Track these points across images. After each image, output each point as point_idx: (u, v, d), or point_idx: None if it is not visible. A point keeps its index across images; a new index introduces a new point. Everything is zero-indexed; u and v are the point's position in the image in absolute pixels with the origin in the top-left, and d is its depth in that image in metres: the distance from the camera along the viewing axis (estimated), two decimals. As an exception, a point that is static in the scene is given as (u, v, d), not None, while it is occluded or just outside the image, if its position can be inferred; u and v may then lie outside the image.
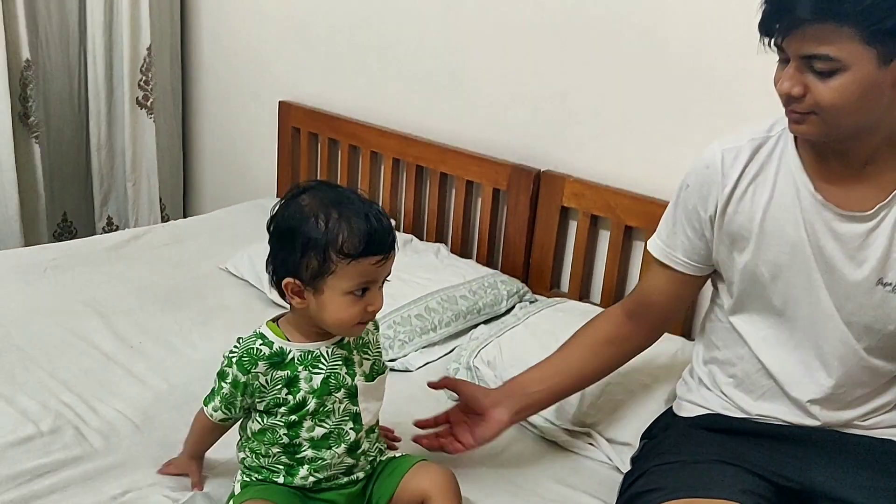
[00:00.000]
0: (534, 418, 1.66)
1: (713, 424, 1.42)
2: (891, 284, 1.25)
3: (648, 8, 1.93)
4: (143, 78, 2.92)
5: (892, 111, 1.19)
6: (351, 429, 1.29)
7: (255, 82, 2.93)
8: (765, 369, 1.37)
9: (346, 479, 1.32)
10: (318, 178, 2.73)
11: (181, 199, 3.25)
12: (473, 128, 2.32)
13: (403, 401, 1.72)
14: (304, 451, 1.28)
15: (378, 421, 1.37)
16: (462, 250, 2.35)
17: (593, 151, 2.09)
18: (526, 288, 2.15)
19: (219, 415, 1.31)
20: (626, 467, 1.52)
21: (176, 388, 1.70)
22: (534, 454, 1.59)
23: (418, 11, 2.38)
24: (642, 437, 1.54)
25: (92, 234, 2.82)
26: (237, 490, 1.33)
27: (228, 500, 1.33)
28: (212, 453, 1.44)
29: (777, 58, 1.20)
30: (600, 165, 2.08)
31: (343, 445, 1.29)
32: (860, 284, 1.27)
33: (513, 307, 2.08)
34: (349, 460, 1.31)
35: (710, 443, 1.38)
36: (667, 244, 1.43)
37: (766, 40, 1.19)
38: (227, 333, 1.93)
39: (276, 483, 1.30)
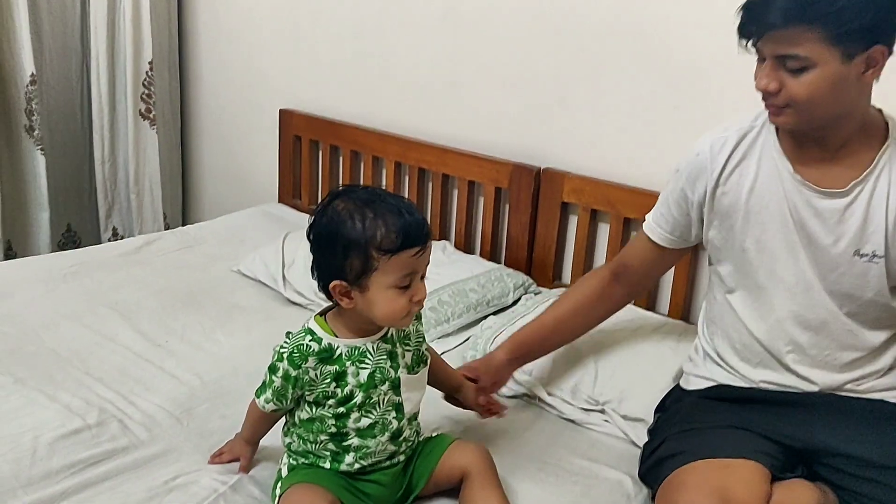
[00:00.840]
0: (552, 399, 1.76)
1: (721, 394, 1.54)
2: (867, 255, 1.39)
3: (643, 9, 2.04)
4: (146, 91, 2.99)
5: (860, 100, 1.36)
6: (394, 418, 1.35)
7: (254, 92, 3.00)
8: (756, 340, 1.50)
9: (388, 463, 1.39)
10: (320, 184, 2.82)
11: (181, 209, 3.31)
12: (473, 130, 2.42)
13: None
14: (351, 439, 1.34)
15: (419, 410, 1.42)
16: (466, 247, 2.45)
17: (591, 149, 2.20)
18: (531, 280, 2.25)
19: (270, 406, 1.37)
20: (642, 440, 1.63)
21: (208, 384, 1.78)
22: (554, 432, 1.69)
23: (416, 17, 2.48)
24: (656, 411, 1.65)
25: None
26: (284, 473, 1.40)
27: (276, 484, 1.39)
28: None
29: (756, 57, 1.35)
30: (598, 162, 2.19)
31: (387, 434, 1.35)
32: (840, 256, 1.40)
33: (519, 299, 2.18)
34: (392, 447, 1.37)
35: (721, 411, 1.50)
36: (654, 219, 1.63)
37: (745, 42, 1.34)
38: (247, 331, 2.04)
39: (322, 468, 1.37)
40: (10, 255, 2.87)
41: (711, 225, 1.53)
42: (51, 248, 2.93)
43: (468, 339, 2.02)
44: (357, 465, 1.36)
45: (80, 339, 1.92)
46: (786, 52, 1.28)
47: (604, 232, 2.21)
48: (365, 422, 1.34)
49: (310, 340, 1.32)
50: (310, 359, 1.31)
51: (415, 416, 1.42)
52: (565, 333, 1.73)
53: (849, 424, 1.43)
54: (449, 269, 2.23)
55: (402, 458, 1.41)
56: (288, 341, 1.34)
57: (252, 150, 3.07)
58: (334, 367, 1.31)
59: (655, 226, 1.61)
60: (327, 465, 1.36)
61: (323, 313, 1.38)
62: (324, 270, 1.30)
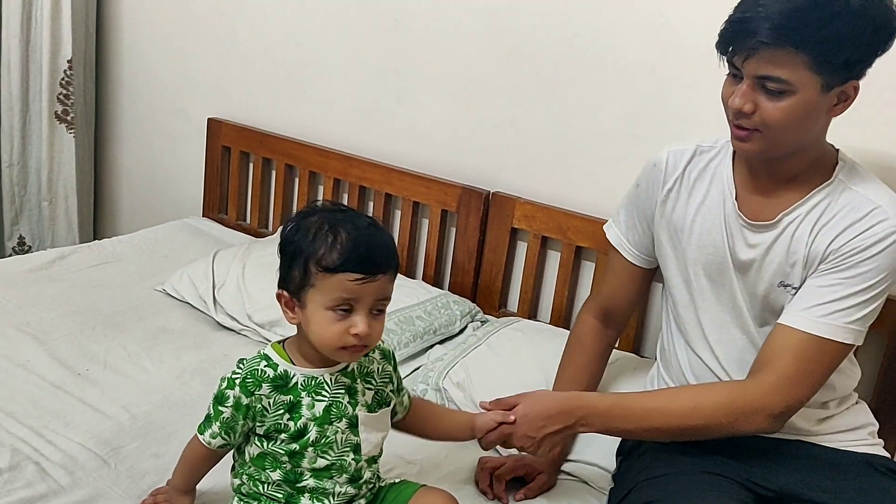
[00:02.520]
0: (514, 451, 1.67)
1: None
2: (790, 286, 1.38)
3: (602, 34, 2.00)
4: (64, 91, 2.77)
5: (821, 134, 1.36)
6: (353, 459, 1.27)
7: (180, 98, 2.82)
8: (707, 367, 1.48)
9: None
10: (249, 198, 2.67)
11: (91, 220, 3.08)
12: (420, 148, 2.33)
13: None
14: (306, 480, 1.25)
15: (381, 451, 1.34)
16: (408, 271, 2.35)
17: (544, 174, 2.15)
18: (477, 308, 2.17)
19: (217, 441, 1.26)
20: (606, 485, 1.56)
21: (137, 417, 1.62)
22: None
23: (363, 28, 2.37)
24: (617, 454, 1.59)
25: (0, 255, 2.63)
26: None
27: None
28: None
29: (724, 73, 1.32)
30: (551, 188, 2.13)
31: (345, 475, 1.27)
32: (767, 287, 1.40)
33: (465, 327, 2.10)
34: (351, 490, 1.28)
35: (686, 454, 1.44)
36: (626, 239, 1.59)
37: (725, 58, 1.30)
38: (177, 357, 1.89)
39: None
40: None
41: (660, 240, 1.52)
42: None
43: (417, 369, 1.92)
44: None
45: (-13, 365, 1.72)
46: (769, 72, 1.25)
47: (554, 259, 2.15)
48: (321, 462, 1.25)
49: (265, 366, 1.24)
50: (264, 385, 1.23)
51: (375, 459, 1.33)
52: None
53: (813, 472, 1.41)
54: (394, 293, 2.11)
55: (362, 501, 1.31)
56: (241, 367, 1.25)
57: (176, 160, 2.89)
58: (288, 398, 1.23)
59: (629, 245, 1.59)
60: None
61: (282, 342, 1.30)
62: (279, 279, 1.26)
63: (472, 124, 2.24)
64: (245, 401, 1.22)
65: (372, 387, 1.31)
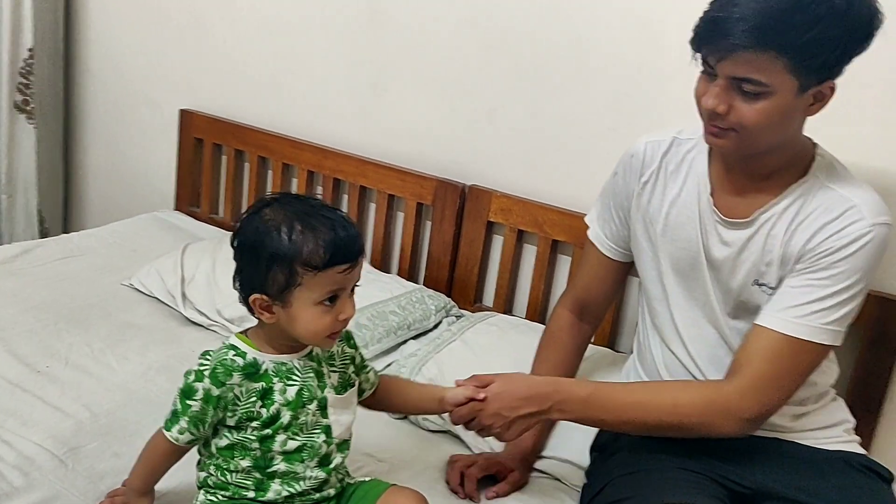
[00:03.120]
0: (481, 441, 1.64)
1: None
2: (766, 285, 1.35)
3: (580, 26, 1.96)
4: (24, 81, 2.70)
5: (798, 133, 1.33)
6: (323, 441, 1.26)
7: (151, 88, 2.76)
8: (679, 362, 1.46)
9: (317, 496, 1.27)
10: (222, 191, 2.61)
11: (61, 213, 3.01)
12: (396, 140, 2.28)
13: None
14: (277, 464, 1.24)
15: (351, 435, 1.32)
16: (382, 264, 2.30)
17: (521, 167, 2.11)
18: (452, 303, 2.13)
19: (185, 437, 1.22)
20: (579, 482, 1.53)
21: (99, 416, 1.56)
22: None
23: (338, 17, 2.32)
24: (591, 450, 1.55)
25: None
26: None
27: None
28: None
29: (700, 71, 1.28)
30: (528, 181, 2.09)
31: (315, 458, 1.25)
32: (740, 286, 1.38)
33: (440, 322, 2.06)
34: (321, 474, 1.26)
35: (662, 451, 1.41)
36: (603, 232, 1.56)
37: (699, 56, 1.26)
38: (143, 354, 1.84)
39: (245, 499, 1.24)
40: None
41: (635, 232, 1.49)
42: None
43: (390, 364, 1.87)
44: (284, 493, 1.24)
45: (-59, 362, 1.66)
46: (746, 75, 1.21)
47: (530, 254, 2.11)
48: (292, 445, 1.23)
49: (233, 355, 1.23)
50: (234, 375, 1.21)
51: (345, 444, 1.31)
52: None
53: (790, 469, 1.39)
54: (367, 288, 2.02)
55: (331, 492, 1.29)
56: (208, 359, 1.23)
57: (146, 152, 2.82)
58: (260, 385, 1.22)
59: (606, 240, 1.56)
60: (251, 495, 1.23)
61: (245, 331, 1.28)
62: (245, 282, 1.23)
63: (448, 117, 2.20)
64: (216, 392, 1.20)
65: (336, 369, 1.32)
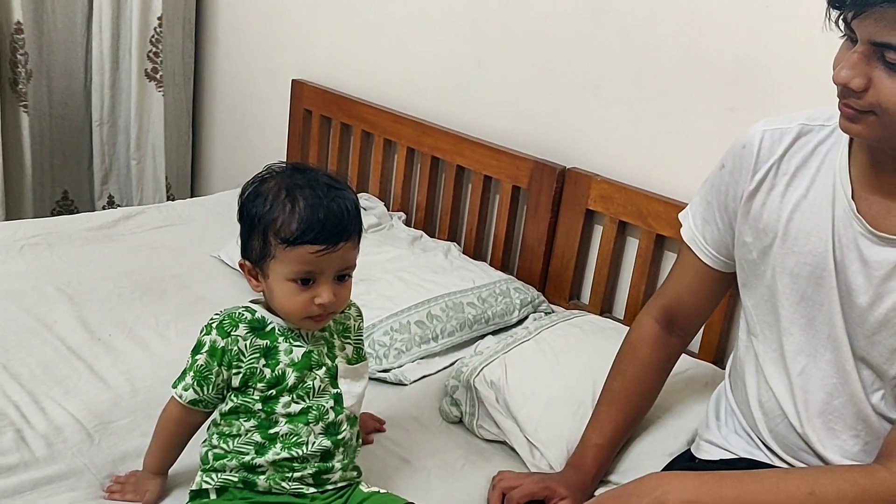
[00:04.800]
0: (537, 458, 1.46)
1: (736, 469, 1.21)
2: None
3: (696, -9, 1.70)
4: (153, 49, 2.75)
5: None
6: (332, 408, 1.21)
7: (269, 58, 2.74)
8: (778, 402, 1.20)
9: (321, 465, 1.20)
10: (328, 165, 2.55)
11: (188, 179, 3.08)
12: (494, 117, 2.12)
13: (397, 417, 1.54)
14: (279, 426, 1.19)
15: (359, 413, 1.28)
16: (476, 252, 2.15)
17: (625, 149, 1.88)
18: (542, 297, 1.94)
19: (189, 394, 1.20)
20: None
21: (139, 392, 1.53)
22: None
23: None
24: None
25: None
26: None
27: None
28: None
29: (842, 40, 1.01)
30: (632, 165, 1.87)
31: (321, 424, 1.20)
32: (878, 321, 1.08)
33: (526, 317, 1.88)
34: (326, 442, 1.20)
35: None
36: (702, 234, 1.30)
37: (834, 14, 0.99)
38: (206, 330, 1.78)
39: (242, 470, 1.19)
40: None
41: (743, 240, 1.22)
42: (46, 216, 2.72)
43: (456, 361, 1.72)
44: (284, 455, 1.18)
45: (12, 323, 1.69)
46: (888, 39, 0.94)
47: (632, 248, 1.88)
48: (295, 407, 1.19)
49: (242, 310, 1.22)
50: (240, 326, 1.19)
51: (355, 419, 1.26)
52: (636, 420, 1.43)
53: None
54: (449, 276, 1.93)
55: (335, 476, 1.22)
56: (219, 314, 1.22)
57: (263, 122, 2.81)
58: (265, 342, 1.19)
59: (703, 243, 1.30)
60: (249, 458, 1.19)
61: (260, 301, 1.26)
62: (241, 247, 1.22)
63: (550, 91, 2.00)
64: (221, 343, 1.18)
65: (350, 342, 1.28)
